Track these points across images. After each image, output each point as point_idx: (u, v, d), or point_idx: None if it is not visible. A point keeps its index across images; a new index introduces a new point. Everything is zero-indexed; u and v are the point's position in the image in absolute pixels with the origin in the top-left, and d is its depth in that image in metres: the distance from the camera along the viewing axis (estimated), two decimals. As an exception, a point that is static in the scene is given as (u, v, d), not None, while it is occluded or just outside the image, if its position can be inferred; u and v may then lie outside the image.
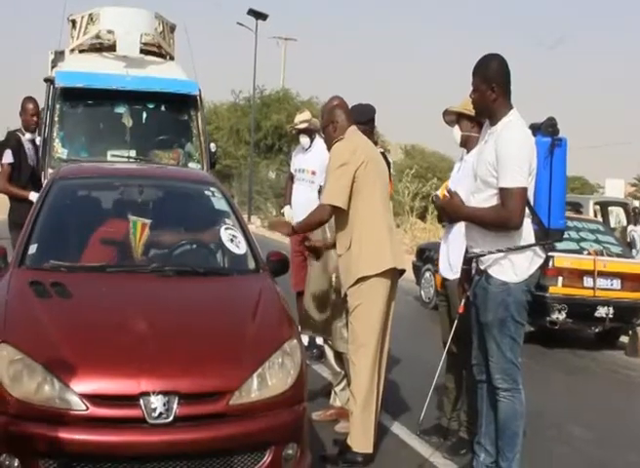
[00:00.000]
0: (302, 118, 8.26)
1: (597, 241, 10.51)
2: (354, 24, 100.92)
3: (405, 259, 5.45)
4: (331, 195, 5.15)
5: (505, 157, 4.38)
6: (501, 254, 4.48)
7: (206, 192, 5.96)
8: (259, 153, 38.54)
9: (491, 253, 4.51)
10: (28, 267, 4.85)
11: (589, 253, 10.12)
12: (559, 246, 9.79)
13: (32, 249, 4.98)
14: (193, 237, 5.57)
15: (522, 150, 4.40)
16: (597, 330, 10.53)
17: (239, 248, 5.32)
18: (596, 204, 15.01)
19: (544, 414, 6.72)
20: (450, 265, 5.56)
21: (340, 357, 5.83)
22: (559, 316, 9.77)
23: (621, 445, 6.28)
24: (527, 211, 4.47)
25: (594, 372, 9.32)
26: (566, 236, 10.02)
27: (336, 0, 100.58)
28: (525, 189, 4.38)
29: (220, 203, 5.87)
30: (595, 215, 14.32)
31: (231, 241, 5.33)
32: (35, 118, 7.95)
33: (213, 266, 5.41)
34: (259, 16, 32.84)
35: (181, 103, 9.69)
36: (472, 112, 5.26)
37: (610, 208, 14.78)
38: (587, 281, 9.98)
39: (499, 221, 4.44)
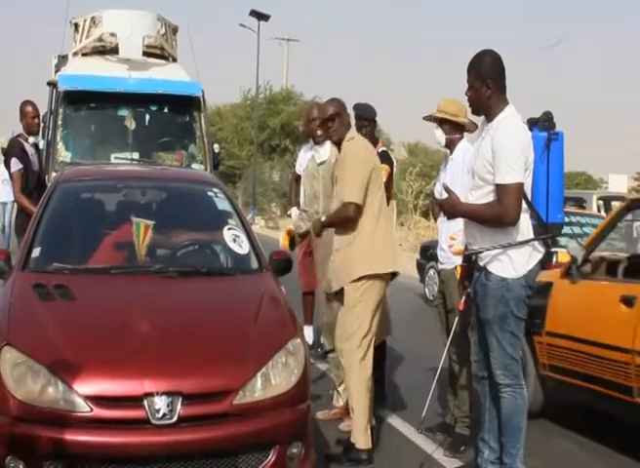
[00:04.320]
0: None
1: (601, 236, 10.42)
2: (355, 24, 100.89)
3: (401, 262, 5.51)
4: (354, 193, 5.21)
5: (501, 153, 4.39)
6: (500, 250, 4.49)
7: (209, 193, 5.96)
8: (263, 154, 38.57)
9: (490, 249, 4.51)
10: (32, 270, 4.87)
11: (593, 249, 10.04)
12: (562, 241, 9.78)
13: (36, 252, 5.00)
14: (196, 237, 5.59)
15: (517, 145, 4.40)
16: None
17: (242, 248, 5.33)
18: (599, 199, 14.97)
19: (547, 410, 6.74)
20: (442, 255, 5.69)
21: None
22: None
23: (626, 432, 6.20)
24: (525, 206, 4.47)
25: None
26: (569, 231, 10.07)
27: (336, 1, 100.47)
28: (521, 184, 4.38)
29: (222, 203, 5.88)
30: (599, 211, 14.28)
31: (234, 241, 5.35)
32: (36, 120, 7.96)
33: (216, 266, 5.42)
34: (261, 17, 32.86)
35: (184, 105, 9.73)
36: (453, 117, 5.50)
37: (613, 202, 14.73)
38: (590, 275, 9.85)
39: (495, 217, 4.45)
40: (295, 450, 4.16)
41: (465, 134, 5.66)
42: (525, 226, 4.50)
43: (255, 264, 5.26)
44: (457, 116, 5.56)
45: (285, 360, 4.23)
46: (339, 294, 5.39)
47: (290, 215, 8.61)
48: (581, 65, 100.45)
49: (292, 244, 6.18)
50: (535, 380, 6.08)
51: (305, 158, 7.77)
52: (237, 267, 5.36)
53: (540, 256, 4.59)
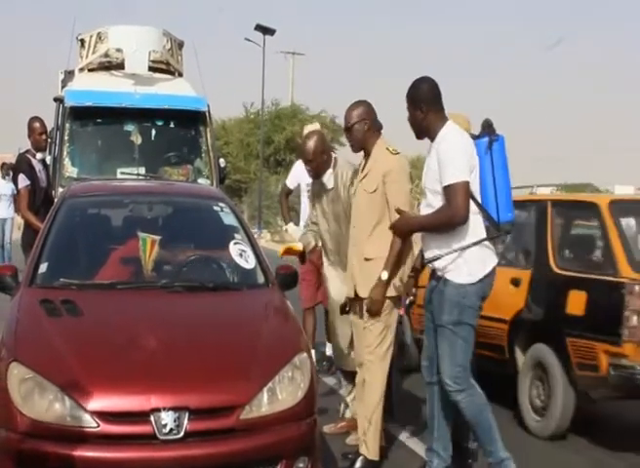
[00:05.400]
0: (314, 128, 8.08)
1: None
2: (361, 37, 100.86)
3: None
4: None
5: (445, 160, 4.56)
6: (455, 255, 4.59)
7: (215, 207, 5.97)
8: (268, 168, 38.66)
9: (445, 255, 4.59)
10: (39, 286, 4.88)
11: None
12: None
13: (43, 267, 5.01)
14: (202, 252, 5.60)
15: (460, 151, 4.58)
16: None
17: (248, 262, 5.34)
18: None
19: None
20: None
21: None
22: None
23: (624, 446, 6.17)
24: (476, 208, 4.60)
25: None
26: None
27: (342, 14, 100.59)
28: (467, 183, 4.51)
29: (228, 218, 5.88)
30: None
31: (240, 255, 5.36)
32: (44, 136, 7.99)
33: (222, 281, 5.41)
34: (266, 31, 32.91)
35: (190, 120, 9.76)
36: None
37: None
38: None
39: (445, 220, 4.56)
40: (301, 465, 4.16)
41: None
42: (478, 228, 4.62)
43: (261, 279, 5.27)
44: None
45: (291, 374, 4.23)
46: (353, 302, 5.37)
47: (287, 231, 8.50)
48: (581, 65, 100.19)
49: (302, 258, 6.11)
50: (412, 342, 6.73)
51: (301, 173, 7.61)
52: (243, 282, 5.36)
53: (494, 264, 4.71)
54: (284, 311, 4.93)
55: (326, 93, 70.84)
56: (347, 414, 6.06)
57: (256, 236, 5.91)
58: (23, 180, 7.61)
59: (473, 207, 4.58)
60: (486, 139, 4.71)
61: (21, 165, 7.78)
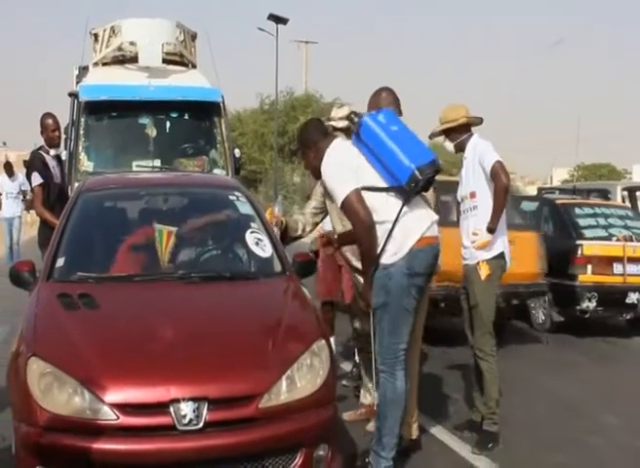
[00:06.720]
0: (342, 114, 7.66)
1: (626, 226, 10.37)
2: (373, 25, 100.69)
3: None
4: None
5: (326, 182, 4.83)
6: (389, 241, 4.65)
7: (230, 197, 5.97)
8: (283, 158, 38.64)
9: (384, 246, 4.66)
10: (56, 280, 4.90)
11: (618, 240, 9.98)
12: (588, 233, 9.76)
13: (60, 262, 5.03)
14: (219, 242, 5.61)
15: (332, 164, 4.79)
16: (628, 316, 10.34)
17: (265, 251, 5.33)
18: (624, 189, 14.82)
19: (576, 404, 6.71)
20: (464, 252, 5.77)
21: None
22: (589, 304, 9.66)
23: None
24: (383, 194, 4.68)
25: (626, 360, 9.20)
26: (594, 223, 10.05)
27: (354, 2, 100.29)
28: (353, 191, 4.64)
29: (244, 207, 5.88)
30: (623, 201, 14.15)
31: (257, 244, 5.36)
32: (57, 133, 7.98)
33: (239, 270, 5.41)
34: (279, 20, 32.76)
35: (205, 111, 9.74)
36: (454, 122, 5.74)
37: (638, 193, 14.55)
38: (617, 267, 9.85)
39: (364, 236, 4.67)
40: (321, 453, 4.17)
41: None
42: (393, 208, 4.67)
43: (278, 267, 5.26)
44: (456, 120, 5.72)
45: (310, 362, 4.23)
46: None
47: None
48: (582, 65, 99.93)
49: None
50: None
51: None
52: (260, 270, 5.35)
53: (421, 231, 4.70)
54: (301, 299, 4.93)
55: (340, 80, 70.65)
56: (367, 400, 6.04)
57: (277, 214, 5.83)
58: (37, 178, 7.61)
59: (380, 195, 4.68)
60: (355, 134, 4.87)
61: (35, 162, 7.77)
